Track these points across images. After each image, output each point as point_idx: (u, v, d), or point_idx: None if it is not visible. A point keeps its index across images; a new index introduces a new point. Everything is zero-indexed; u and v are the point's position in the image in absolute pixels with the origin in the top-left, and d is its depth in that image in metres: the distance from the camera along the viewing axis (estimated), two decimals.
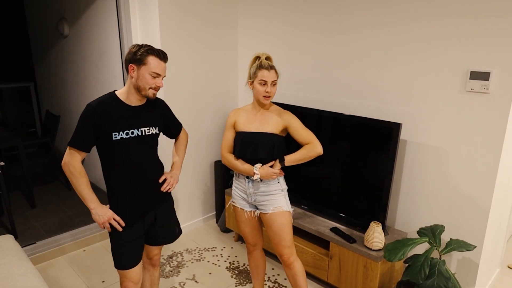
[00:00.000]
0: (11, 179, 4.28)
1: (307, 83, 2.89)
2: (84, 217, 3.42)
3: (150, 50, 1.69)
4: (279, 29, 3.00)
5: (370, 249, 2.26)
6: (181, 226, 3.29)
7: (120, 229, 1.78)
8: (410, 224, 2.49)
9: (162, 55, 1.71)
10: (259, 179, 2.02)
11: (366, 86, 2.54)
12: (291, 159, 2.01)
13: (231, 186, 3.08)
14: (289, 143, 2.10)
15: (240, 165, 2.06)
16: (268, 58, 1.99)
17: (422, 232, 2.19)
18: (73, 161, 1.70)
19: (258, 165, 2.01)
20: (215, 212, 3.55)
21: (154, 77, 1.70)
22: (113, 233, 1.82)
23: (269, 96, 1.98)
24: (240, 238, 3.20)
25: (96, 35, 3.56)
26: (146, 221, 1.87)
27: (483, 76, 2.01)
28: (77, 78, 4.10)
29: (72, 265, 2.83)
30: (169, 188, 1.92)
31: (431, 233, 2.14)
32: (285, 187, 2.11)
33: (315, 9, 2.72)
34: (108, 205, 1.81)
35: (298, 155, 2.01)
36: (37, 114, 5.43)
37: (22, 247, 2.40)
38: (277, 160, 2.01)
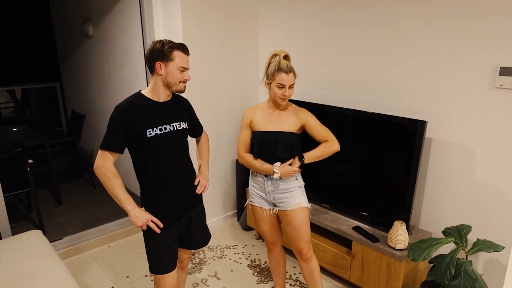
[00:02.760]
0: (38, 177, 4.41)
1: (328, 80, 2.87)
2: (108, 213, 3.50)
3: (174, 45, 1.70)
4: (300, 26, 2.99)
5: (394, 248, 2.22)
6: None
7: (158, 231, 1.75)
8: (435, 224, 2.44)
9: (185, 49, 1.73)
10: (279, 178, 2.02)
11: (389, 83, 2.50)
12: (310, 156, 2.00)
13: None
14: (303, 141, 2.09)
15: (259, 165, 2.05)
16: (286, 57, 1.98)
17: (447, 232, 2.14)
18: (105, 163, 1.67)
19: (278, 163, 2.01)
20: (236, 210, 3.57)
21: (181, 71, 1.72)
22: (149, 237, 1.79)
23: (286, 98, 1.98)
24: (261, 236, 3.21)
25: (119, 35, 3.63)
26: (182, 223, 1.86)
27: None
28: (101, 78, 4.19)
29: (97, 260, 2.89)
30: (203, 190, 1.92)
31: (457, 233, 2.09)
32: (302, 183, 2.12)
33: (337, 4, 2.69)
34: (143, 207, 1.80)
35: (317, 152, 2.01)
36: (63, 114, 5.59)
37: (50, 242, 2.48)
38: (296, 158, 2.01)
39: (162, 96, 1.77)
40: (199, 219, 1.98)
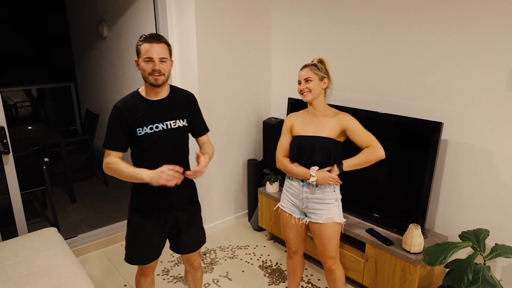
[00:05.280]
0: (52, 175, 4.47)
1: (342, 81, 2.85)
2: (121, 212, 3.52)
3: (142, 39, 1.66)
4: (314, 27, 2.97)
5: (409, 252, 2.19)
6: (214, 224, 3.35)
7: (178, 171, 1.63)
8: (451, 228, 2.39)
9: (150, 37, 1.64)
10: (315, 183, 1.96)
11: (405, 84, 2.47)
12: (350, 164, 1.92)
13: (263, 185, 3.09)
14: (345, 148, 2.04)
15: (295, 168, 1.99)
16: (320, 61, 2.02)
17: (464, 236, 2.10)
18: (108, 159, 1.73)
19: (315, 167, 1.94)
20: (247, 211, 3.56)
21: (147, 61, 1.65)
22: (130, 227, 1.87)
23: (307, 92, 1.96)
24: (272, 237, 3.20)
25: (134, 36, 3.66)
26: (168, 221, 1.84)
27: None
28: (115, 78, 4.23)
29: (110, 258, 2.92)
30: (194, 176, 1.68)
31: (475, 237, 2.05)
32: (339, 196, 2.03)
33: (353, 4, 2.67)
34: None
35: (358, 160, 1.92)
36: (77, 113, 5.66)
37: (64, 239, 2.50)
38: (335, 165, 1.94)
39: (151, 93, 1.74)
40: (190, 222, 1.92)
